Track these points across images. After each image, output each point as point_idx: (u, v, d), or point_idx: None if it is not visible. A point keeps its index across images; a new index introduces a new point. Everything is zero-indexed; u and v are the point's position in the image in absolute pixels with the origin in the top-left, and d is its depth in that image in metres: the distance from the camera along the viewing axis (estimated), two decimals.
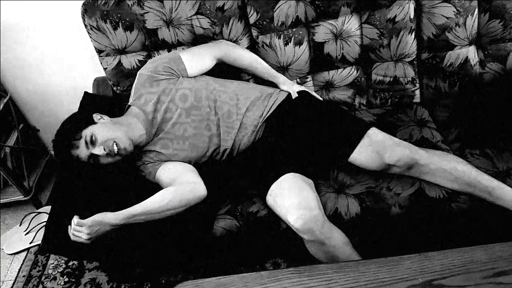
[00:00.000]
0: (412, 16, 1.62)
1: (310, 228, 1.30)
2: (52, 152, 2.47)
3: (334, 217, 1.40)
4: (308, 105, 1.60)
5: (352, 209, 1.41)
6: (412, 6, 1.61)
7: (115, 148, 1.41)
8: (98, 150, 1.40)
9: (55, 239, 1.37)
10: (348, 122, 1.53)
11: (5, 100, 2.12)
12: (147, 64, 1.58)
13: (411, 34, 1.65)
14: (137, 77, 1.56)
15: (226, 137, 1.53)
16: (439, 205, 1.39)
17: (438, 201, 1.39)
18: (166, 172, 1.49)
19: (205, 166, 1.55)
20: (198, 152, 1.53)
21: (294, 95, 1.62)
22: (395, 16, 1.61)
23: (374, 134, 1.45)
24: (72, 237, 1.28)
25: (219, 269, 1.72)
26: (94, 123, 1.45)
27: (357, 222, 1.41)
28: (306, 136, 1.51)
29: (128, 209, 1.32)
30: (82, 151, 1.41)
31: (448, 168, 1.38)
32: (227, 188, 1.54)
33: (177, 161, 1.53)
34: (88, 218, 1.27)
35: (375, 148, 1.41)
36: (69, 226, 1.29)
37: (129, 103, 1.57)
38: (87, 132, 1.41)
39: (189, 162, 1.53)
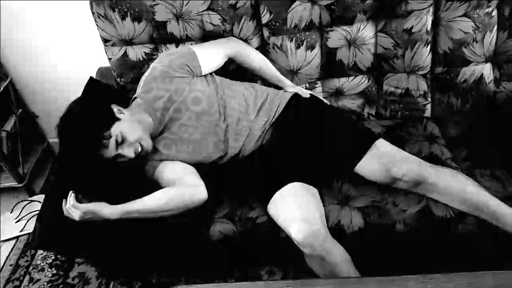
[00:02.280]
0: (429, 28, 1.58)
1: (310, 242, 1.27)
2: (50, 140, 2.43)
3: (336, 230, 1.35)
4: (317, 110, 1.56)
5: (355, 223, 1.37)
6: (430, 18, 1.57)
7: (140, 149, 1.38)
8: (128, 152, 1.36)
9: (46, 235, 1.32)
10: (356, 131, 1.49)
11: (5, 84, 2.08)
12: (161, 58, 1.51)
13: (427, 46, 1.60)
14: (149, 70, 1.50)
15: (234, 144, 1.48)
16: (445, 225, 1.34)
17: (444, 221, 1.34)
18: (166, 171, 1.44)
19: (206, 166, 1.50)
20: (200, 157, 1.48)
21: (305, 95, 1.59)
22: (411, 27, 1.57)
23: (382, 146, 1.41)
24: (65, 212, 1.27)
25: (211, 272, 1.69)
26: (118, 119, 1.38)
27: (360, 236, 1.36)
28: (313, 142, 1.46)
29: (124, 205, 1.29)
30: (111, 151, 1.35)
31: (457, 189, 1.33)
32: (226, 190, 1.50)
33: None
34: (84, 205, 1.25)
35: (382, 160, 1.37)
36: (64, 200, 1.27)
37: (135, 95, 1.52)
38: (116, 131, 1.34)
39: (189, 164, 1.48)
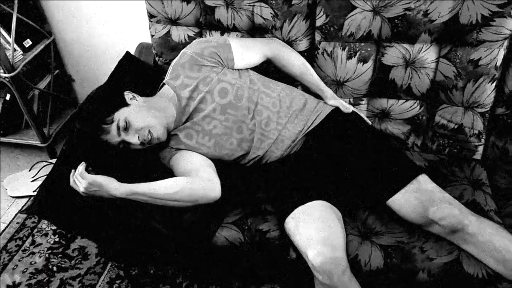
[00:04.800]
0: (499, 64, 1.41)
1: (329, 270, 1.14)
2: None
3: (352, 265, 1.21)
4: (357, 129, 1.43)
5: (374, 261, 1.23)
6: (502, 52, 1.40)
7: (149, 137, 1.31)
8: (132, 139, 1.30)
9: (45, 203, 1.26)
10: (399, 160, 1.34)
11: (47, 42, 2.06)
12: (193, 44, 1.44)
13: (492, 83, 1.43)
14: (179, 55, 1.44)
15: (258, 145, 1.39)
16: (475, 285, 1.19)
17: (475, 280, 1.19)
18: (182, 160, 1.37)
19: (226, 166, 1.41)
20: (221, 153, 1.40)
21: (346, 110, 1.46)
22: (479, 59, 1.40)
23: (424, 182, 1.26)
24: (71, 183, 1.25)
25: (211, 274, 1.60)
26: (127, 104, 1.34)
27: (377, 277, 1.23)
28: (347, 163, 1.34)
29: (133, 185, 1.24)
30: (113, 137, 1.31)
31: (499, 246, 1.17)
32: (242, 196, 1.40)
33: None
34: (92, 175, 1.22)
35: (421, 197, 1.22)
36: (72, 170, 1.25)
37: (164, 81, 1.45)
38: (120, 116, 1.29)
39: (209, 159, 1.40)
